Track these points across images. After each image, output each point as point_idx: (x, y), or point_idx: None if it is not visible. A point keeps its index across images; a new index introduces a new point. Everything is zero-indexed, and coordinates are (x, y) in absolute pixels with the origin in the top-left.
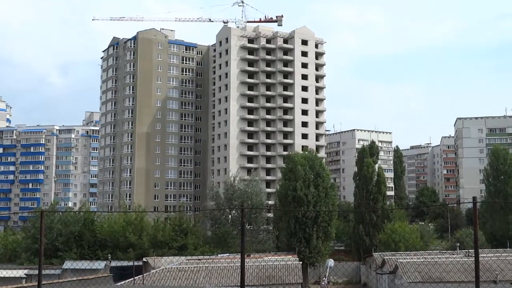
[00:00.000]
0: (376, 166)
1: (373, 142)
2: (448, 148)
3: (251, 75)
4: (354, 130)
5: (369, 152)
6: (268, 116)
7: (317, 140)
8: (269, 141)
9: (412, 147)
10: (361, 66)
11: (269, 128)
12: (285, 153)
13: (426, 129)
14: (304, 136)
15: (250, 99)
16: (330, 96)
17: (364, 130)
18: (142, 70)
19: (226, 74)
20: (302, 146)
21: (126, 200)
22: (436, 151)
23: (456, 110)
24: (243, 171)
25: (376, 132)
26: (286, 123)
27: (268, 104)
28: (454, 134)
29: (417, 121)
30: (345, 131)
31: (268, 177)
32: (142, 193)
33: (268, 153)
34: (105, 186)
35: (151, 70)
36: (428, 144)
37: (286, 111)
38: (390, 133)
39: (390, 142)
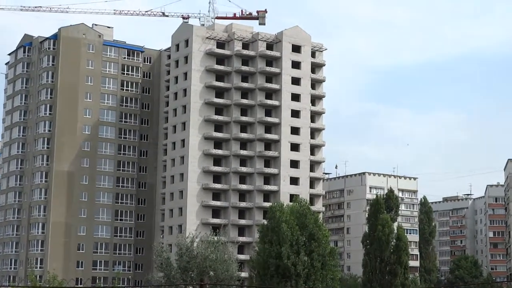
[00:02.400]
0: (395, 225)
1: (391, 191)
2: (496, 201)
3: (220, 93)
4: (364, 173)
5: (386, 205)
6: (244, 152)
7: (311, 186)
8: (243, 187)
9: (445, 199)
10: (377, 83)
11: (244, 169)
12: (266, 204)
13: (465, 174)
14: (294, 181)
15: (219, 127)
16: (331, 125)
17: (379, 174)
18: (65, 83)
19: (185, 91)
20: (291, 195)
21: (36, 268)
22: (479, 205)
23: (508, 149)
24: (205, 228)
25: (395, 177)
26: (268, 162)
27: (244, 135)
28: (504, 182)
29: (452, 163)
30: (352, 175)
31: (242, 239)
32: (60, 259)
33: (242, 204)
34: (6, 247)
35: (77, 83)
36: (468, 195)
37: (268, 145)
38: (415, 178)
39: (415, 192)
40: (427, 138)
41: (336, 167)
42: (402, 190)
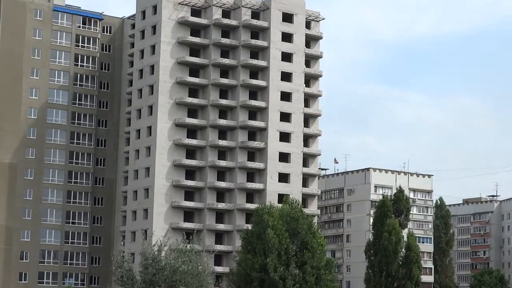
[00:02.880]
0: (405, 232)
1: (400, 191)
2: None
3: (195, 70)
4: (369, 169)
5: (394, 208)
6: (222, 142)
7: (305, 185)
8: (222, 184)
9: (466, 201)
10: (385, 61)
11: (223, 163)
12: (250, 206)
13: (490, 171)
14: (283, 177)
15: (193, 112)
16: (329, 111)
17: (386, 171)
18: (6, 57)
19: (152, 68)
20: (280, 195)
21: None
22: (506, 208)
23: None
24: (176, 234)
25: (405, 173)
26: (253, 154)
27: (223, 122)
28: None
29: (475, 158)
30: (353, 172)
31: (220, 247)
32: None
33: (221, 206)
34: None
35: (21, 56)
36: (494, 196)
37: (253, 134)
38: (429, 176)
39: (430, 192)
40: (444, 127)
41: (335, 162)
42: (414, 190)
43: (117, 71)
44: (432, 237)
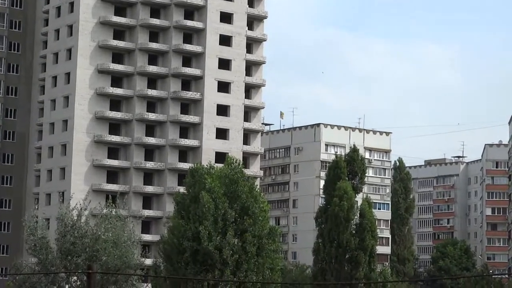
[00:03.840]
0: (360, 197)
1: (355, 151)
2: (497, 166)
3: (121, 8)
4: (319, 125)
5: (347, 170)
6: (152, 92)
7: (246, 142)
8: (151, 140)
9: (428, 163)
10: (341, 2)
11: (152, 115)
12: (183, 165)
13: (456, 129)
14: (221, 133)
15: (118, 56)
16: (274, 58)
17: (339, 127)
18: None
19: (72, 4)
20: (217, 154)
21: None
22: (473, 171)
23: None
24: (98, 197)
25: (361, 130)
26: (186, 107)
27: (153, 69)
28: (509, 141)
29: (439, 114)
30: (302, 127)
31: (148, 212)
32: None
33: (150, 165)
34: None
35: None
36: (459, 157)
37: (187, 83)
38: (387, 134)
39: (388, 152)
40: (406, 79)
41: (280, 116)
42: (370, 150)
43: (30, 8)
44: (390, 203)
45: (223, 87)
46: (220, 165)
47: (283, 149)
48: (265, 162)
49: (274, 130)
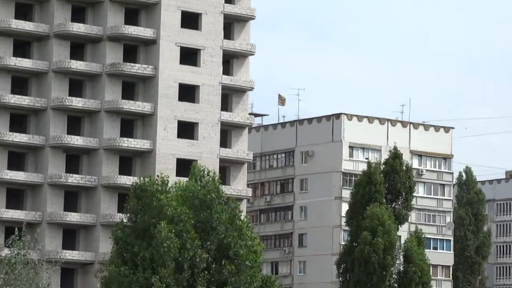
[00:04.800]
0: (404, 229)
1: (395, 156)
2: None
3: None
4: (340, 116)
5: (384, 185)
6: (76, 65)
7: (225, 143)
8: (76, 140)
9: (511, 175)
10: None
11: (78, 102)
12: (125, 180)
13: None
14: (186, 129)
15: (23, 8)
16: (267, 11)
17: (371, 119)
18: None
19: None
20: (180, 161)
21: None
22: None
23: None
24: None
25: (406, 124)
26: (130, 87)
27: (79, 28)
28: None
29: None
30: (311, 120)
31: (71, 254)
32: None
33: (73, 179)
34: None
35: None
36: None
37: (131, 51)
38: (447, 129)
39: (448, 158)
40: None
41: (279, 102)
42: (421, 155)
43: None
44: (452, 239)
45: (189, 56)
46: (184, 180)
47: (283, 154)
48: (256, 174)
49: (270, 125)
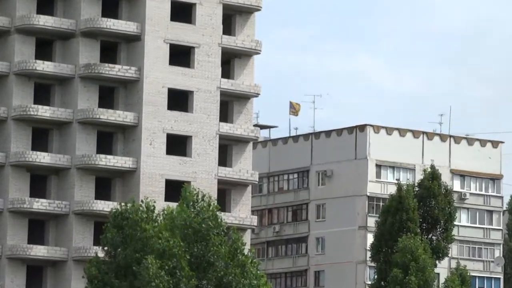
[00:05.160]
0: (443, 265)
1: (433, 177)
2: None
3: None
4: (365, 128)
5: (419, 212)
6: (44, 66)
7: (224, 160)
8: (41, 158)
9: None
10: None
11: (44, 110)
12: (103, 206)
13: None
14: (177, 143)
15: None
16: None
17: (402, 131)
18: None
19: None
20: (170, 183)
21: None
22: None
23: None
24: None
25: (445, 138)
26: (109, 93)
27: (45, 21)
28: None
29: None
30: (330, 132)
31: None
32: None
33: (39, 205)
34: None
35: None
36: None
37: (110, 49)
38: (496, 144)
39: (497, 179)
40: None
41: (292, 111)
42: (463, 175)
43: None
44: (502, 277)
45: (180, 56)
46: (174, 205)
47: (295, 175)
48: (262, 199)
49: (279, 139)
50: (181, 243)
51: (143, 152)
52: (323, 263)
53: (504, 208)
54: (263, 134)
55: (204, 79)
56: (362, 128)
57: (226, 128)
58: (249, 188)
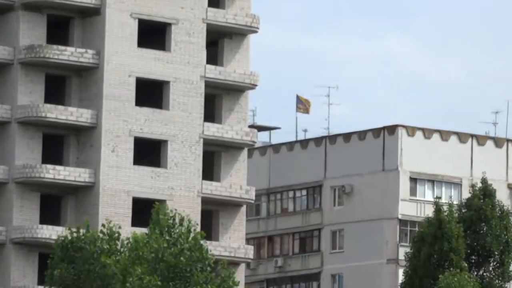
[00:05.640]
0: None
1: (485, 194)
2: None
3: None
4: (395, 129)
5: (466, 240)
6: None
7: (209, 173)
8: None
9: None
10: None
11: None
12: (50, 232)
13: None
14: (148, 150)
15: None
16: None
17: (446, 134)
18: None
19: None
20: (139, 202)
21: None
22: None
23: None
24: None
25: (500, 143)
26: (60, 83)
27: None
28: None
29: None
30: (349, 136)
31: None
32: None
33: None
34: None
35: None
36: None
37: (61, 26)
38: None
39: None
40: None
41: (299, 108)
42: None
43: None
44: None
45: (153, 35)
46: (143, 231)
47: (304, 191)
48: (261, 223)
49: (282, 144)
50: (148, 278)
51: (103, 161)
52: None
53: None
54: (262, 138)
55: (183, 66)
56: (391, 129)
57: (213, 130)
58: (243, 209)
